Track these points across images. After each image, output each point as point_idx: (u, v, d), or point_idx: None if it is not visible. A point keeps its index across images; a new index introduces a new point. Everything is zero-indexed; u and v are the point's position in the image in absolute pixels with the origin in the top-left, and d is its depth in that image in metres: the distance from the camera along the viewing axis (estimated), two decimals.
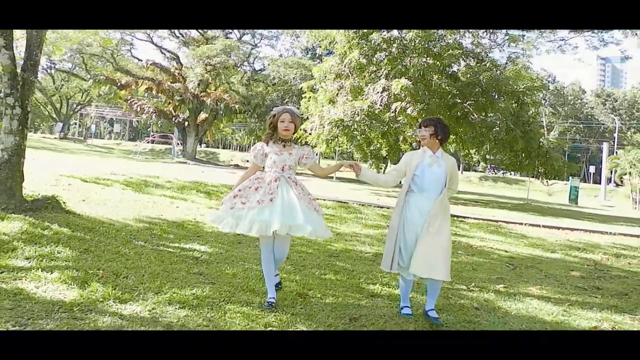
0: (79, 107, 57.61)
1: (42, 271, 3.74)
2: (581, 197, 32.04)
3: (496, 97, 17.22)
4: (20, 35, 7.49)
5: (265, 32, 34.96)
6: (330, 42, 18.64)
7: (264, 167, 3.82)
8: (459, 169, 4.13)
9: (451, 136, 14.84)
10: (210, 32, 33.71)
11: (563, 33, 18.93)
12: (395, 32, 17.46)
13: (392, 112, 16.38)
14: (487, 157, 19.31)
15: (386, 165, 27.74)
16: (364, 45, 17.15)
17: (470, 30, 17.80)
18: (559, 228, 11.49)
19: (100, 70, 33.90)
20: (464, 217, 11.54)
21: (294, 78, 30.63)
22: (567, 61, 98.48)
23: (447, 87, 16.32)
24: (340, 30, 17.46)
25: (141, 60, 36.48)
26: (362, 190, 18.24)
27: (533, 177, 21.55)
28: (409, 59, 16.73)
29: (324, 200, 11.53)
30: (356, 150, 20.05)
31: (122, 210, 7.27)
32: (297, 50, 38.50)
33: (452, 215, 5.35)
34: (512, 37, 18.64)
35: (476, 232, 9.52)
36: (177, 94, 32.32)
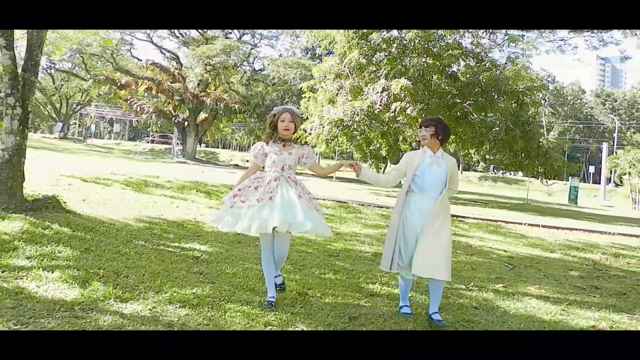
0: (78, 107, 57.64)
1: (43, 270, 3.75)
2: (581, 197, 32.07)
3: (496, 97, 17.23)
4: (20, 36, 7.51)
5: (265, 32, 34.99)
6: (330, 42, 18.65)
7: (264, 167, 3.83)
8: (458, 169, 4.13)
9: (451, 136, 14.85)
10: (210, 32, 33.72)
11: (562, 33, 18.99)
12: (394, 32, 17.48)
13: (392, 112, 16.39)
14: (487, 157, 19.32)
15: (386, 165, 27.75)
16: (364, 45, 17.17)
17: (470, 30, 17.81)
18: (558, 228, 11.51)
19: (100, 70, 33.91)
20: (464, 217, 11.55)
21: (293, 78, 30.65)
22: (566, 61, 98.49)
23: (446, 87, 16.33)
24: (340, 30, 17.48)
25: (141, 60, 36.52)
26: (361, 190, 18.25)
27: (533, 177, 21.58)
28: (408, 59, 16.74)
29: (324, 200, 11.54)
30: (356, 150, 20.06)
31: (122, 210, 7.28)
32: (296, 50, 38.55)
33: (452, 215, 5.34)
34: (511, 37, 18.66)
35: (475, 232, 9.54)
36: (176, 93, 32.34)
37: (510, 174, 46.80)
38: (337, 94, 17.79)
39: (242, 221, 3.58)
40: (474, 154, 20.29)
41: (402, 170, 3.82)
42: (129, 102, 34.13)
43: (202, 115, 34.06)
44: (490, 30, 18.23)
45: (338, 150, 27.88)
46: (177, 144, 37.77)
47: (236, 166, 33.98)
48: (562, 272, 6.24)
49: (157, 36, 35.26)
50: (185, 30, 34.34)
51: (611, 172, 45.88)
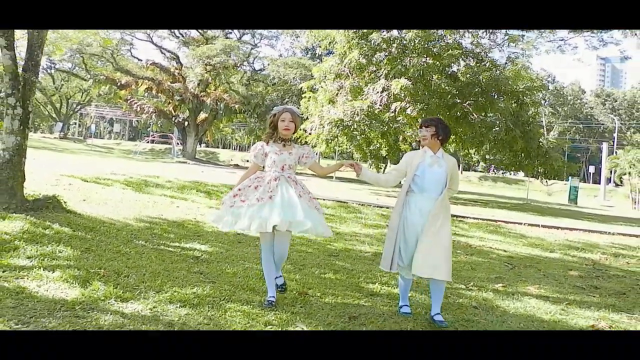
0: (78, 107, 57.65)
1: (43, 270, 3.76)
2: (581, 197, 32.08)
3: (496, 97, 17.24)
4: (20, 36, 7.51)
5: (265, 32, 35.00)
6: (330, 42, 18.66)
7: (264, 167, 3.84)
8: (458, 169, 4.13)
9: (451, 136, 14.86)
10: (210, 32, 33.73)
11: (562, 33, 18.99)
12: (394, 32, 17.49)
13: (392, 112, 16.41)
14: (487, 157, 19.34)
15: (386, 165, 27.77)
16: (364, 45, 17.18)
17: (470, 31, 17.82)
18: (558, 228, 11.52)
19: (100, 70, 33.92)
20: (463, 217, 11.56)
21: (293, 78, 30.66)
22: (566, 61, 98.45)
23: (446, 87, 16.34)
24: (340, 30, 17.49)
25: (141, 60, 36.54)
26: (361, 190, 18.26)
27: (532, 177, 21.58)
28: (408, 59, 16.75)
29: (324, 200, 11.55)
30: (356, 150, 20.08)
31: (122, 209, 7.29)
32: (297, 50, 38.56)
33: (452, 215, 5.33)
34: (511, 37, 18.67)
35: (475, 232, 9.55)
36: (177, 93, 32.36)
37: (510, 174, 46.83)
38: (337, 94, 17.80)
39: (242, 220, 3.58)
40: (474, 154, 20.31)
41: (402, 171, 3.82)
42: (129, 102, 34.15)
43: (202, 115, 34.08)
44: (490, 30, 18.24)
45: (338, 150, 27.88)
46: (177, 144, 37.78)
47: (236, 166, 34.00)
48: (562, 272, 6.24)
49: (157, 36, 35.29)
50: (185, 30, 34.37)
51: (611, 172, 45.89)
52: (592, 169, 52.45)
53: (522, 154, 17.71)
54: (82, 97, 54.03)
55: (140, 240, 5.40)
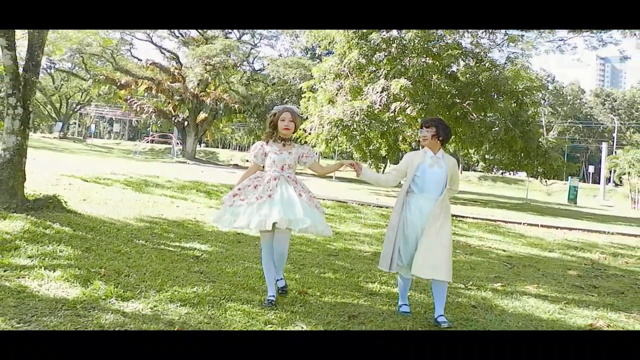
0: (78, 106, 57.62)
1: (44, 269, 3.78)
2: (580, 197, 32.10)
3: (495, 97, 17.26)
4: (21, 36, 7.52)
5: (264, 32, 35.01)
6: (329, 42, 18.67)
7: (264, 167, 3.85)
8: (458, 169, 4.13)
9: (451, 136, 14.84)
10: (210, 32, 33.74)
11: (562, 33, 18.99)
12: (394, 32, 17.50)
13: (392, 112, 16.42)
14: (486, 157, 19.35)
15: (385, 165, 27.78)
16: (364, 46, 17.19)
17: (470, 31, 17.84)
18: (557, 227, 11.54)
19: (100, 70, 33.93)
20: (463, 217, 11.58)
21: (293, 78, 30.67)
22: (566, 61, 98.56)
23: (446, 87, 16.35)
24: (340, 30, 17.50)
25: (141, 60, 36.56)
26: (361, 190, 18.28)
27: (532, 176, 21.59)
28: (408, 59, 16.76)
29: (324, 199, 11.57)
30: (355, 150, 20.09)
31: (122, 209, 7.31)
32: (296, 50, 38.61)
33: (451, 215, 5.31)
34: (511, 37, 18.68)
35: (475, 232, 9.57)
36: (176, 93, 32.36)
37: (509, 174, 46.87)
38: (336, 94, 17.82)
39: (241, 218, 3.59)
40: (474, 153, 20.32)
41: (402, 171, 3.82)
42: (128, 102, 34.15)
43: (202, 115, 34.08)
44: (490, 31, 18.26)
45: (338, 150, 27.92)
46: (177, 143, 37.78)
47: (236, 166, 34.00)
48: (561, 272, 6.26)
49: (157, 36, 35.32)
50: (185, 30, 34.38)
51: (610, 172, 45.95)
52: (591, 168, 52.48)
53: (522, 154, 17.73)
54: (81, 97, 54.00)
55: (140, 240, 5.41)
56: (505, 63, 18.94)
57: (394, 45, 17.22)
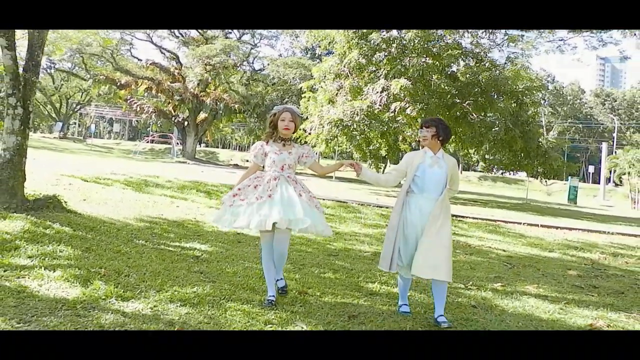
0: (78, 106, 57.62)
1: (44, 269, 3.78)
2: (580, 197, 32.10)
3: (495, 97, 17.27)
4: (21, 36, 7.52)
5: (264, 32, 35.02)
6: (329, 42, 18.67)
7: (264, 167, 3.85)
8: (458, 169, 4.12)
9: (451, 137, 14.82)
10: (210, 32, 33.74)
11: (562, 33, 18.99)
12: (394, 32, 17.50)
13: (392, 112, 16.42)
14: (486, 156, 19.36)
15: (385, 165, 27.78)
16: (364, 46, 17.19)
17: (470, 31, 17.84)
18: (557, 227, 11.54)
19: (100, 70, 33.93)
20: (463, 217, 11.58)
21: (293, 78, 30.67)
22: (566, 61, 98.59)
23: (446, 87, 16.36)
24: (340, 30, 17.50)
25: (141, 60, 36.56)
26: (361, 190, 18.28)
27: (532, 176, 21.59)
28: (408, 59, 16.76)
29: (324, 199, 11.57)
30: (355, 150, 20.09)
31: (122, 209, 7.31)
32: (296, 50, 38.61)
33: (451, 215, 5.30)
34: (511, 37, 18.68)
35: (475, 232, 9.57)
36: (176, 93, 32.36)
37: (509, 174, 46.89)
38: (336, 94, 17.82)
39: (241, 218, 3.59)
40: (474, 153, 20.33)
41: (402, 171, 3.82)
42: (128, 102, 34.16)
43: (202, 115, 34.09)
44: (490, 31, 18.26)
45: (338, 150, 27.92)
46: (177, 143, 37.78)
47: (236, 166, 34.01)
48: (561, 272, 6.26)
49: (157, 36, 35.32)
50: (185, 30, 34.38)
51: (610, 172, 45.96)
52: (591, 168, 52.48)
53: (522, 154, 17.74)
54: (81, 97, 54.00)
55: (140, 240, 5.41)
56: (505, 63, 18.94)
57: (394, 45, 17.22)
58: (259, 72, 36.37)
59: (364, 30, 16.98)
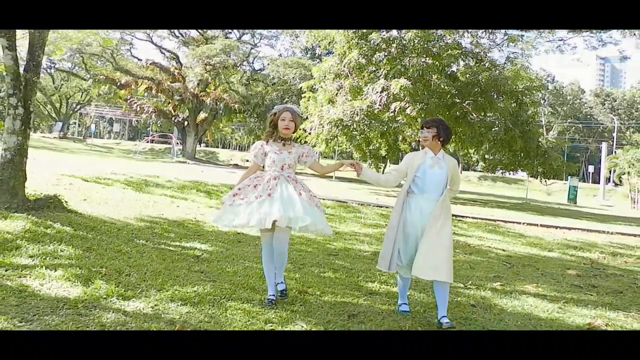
0: (78, 106, 57.62)
1: (46, 269, 3.79)
2: (580, 197, 32.11)
3: (495, 97, 17.28)
4: (21, 36, 7.53)
5: (264, 32, 35.02)
6: (329, 42, 18.69)
7: (264, 166, 3.86)
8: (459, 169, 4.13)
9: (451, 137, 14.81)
10: (210, 32, 33.74)
11: (562, 33, 19.00)
12: (394, 32, 17.51)
13: (391, 112, 16.43)
14: (486, 156, 19.37)
15: (385, 165, 27.79)
16: (363, 46, 17.21)
17: (469, 31, 17.85)
18: (557, 227, 11.55)
19: (100, 70, 33.94)
20: (463, 217, 11.59)
21: (293, 78, 30.68)
22: (566, 61, 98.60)
23: (446, 87, 16.37)
24: (340, 30, 17.51)
25: (141, 60, 36.55)
26: (361, 190, 18.29)
27: (532, 176, 21.60)
28: (408, 59, 16.78)
29: (324, 199, 11.58)
30: (355, 150, 20.11)
31: (123, 209, 7.32)
32: (296, 50, 38.61)
33: (451, 215, 5.30)
34: (511, 37, 18.70)
35: (474, 231, 9.58)
36: (176, 93, 32.37)
37: (509, 174, 46.91)
38: (336, 94, 17.83)
39: (241, 216, 3.59)
40: (474, 153, 20.35)
41: (402, 171, 3.82)
42: (128, 101, 34.16)
43: (202, 115, 34.09)
44: (490, 30, 18.27)
45: (338, 150, 27.93)
46: (177, 143, 37.78)
47: (236, 166, 34.02)
48: (560, 271, 6.28)
49: (157, 36, 35.32)
50: (185, 30, 34.38)
51: (610, 171, 45.97)
52: (591, 168, 52.50)
53: (522, 154, 17.75)
54: (81, 96, 54.00)
55: (141, 240, 5.43)
56: (505, 63, 18.96)
57: (394, 45, 17.24)
58: (259, 72, 36.38)
59: (364, 30, 17.00)
